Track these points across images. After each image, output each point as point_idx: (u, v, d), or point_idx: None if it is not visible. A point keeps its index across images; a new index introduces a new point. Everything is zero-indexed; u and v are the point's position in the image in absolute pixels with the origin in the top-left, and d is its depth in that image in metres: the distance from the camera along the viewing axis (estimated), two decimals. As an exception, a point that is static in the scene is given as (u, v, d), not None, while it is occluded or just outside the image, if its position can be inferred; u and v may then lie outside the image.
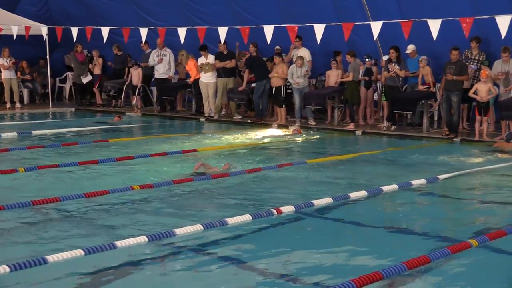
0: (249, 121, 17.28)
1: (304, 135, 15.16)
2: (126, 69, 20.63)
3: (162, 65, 19.38)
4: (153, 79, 20.03)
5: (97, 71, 21.08)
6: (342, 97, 16.48)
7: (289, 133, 15.35)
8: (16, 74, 20.74)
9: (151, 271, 5.87)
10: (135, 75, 19.53)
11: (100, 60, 21.16)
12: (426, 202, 8.98)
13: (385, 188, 9.09)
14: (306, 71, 16.80)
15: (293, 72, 16.72)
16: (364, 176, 10.38)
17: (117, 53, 21.08)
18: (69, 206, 7.93)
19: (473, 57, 15.34)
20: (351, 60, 16.30)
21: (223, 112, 18.71)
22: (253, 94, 17.55)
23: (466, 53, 15.38)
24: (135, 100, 19.48)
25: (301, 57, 16.76)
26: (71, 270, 5.72)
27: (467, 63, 15.03)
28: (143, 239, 6.38)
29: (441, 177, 10.09)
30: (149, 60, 19.55)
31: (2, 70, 20.24)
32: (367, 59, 16.57)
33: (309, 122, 16.70)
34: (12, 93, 20.48)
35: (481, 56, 15.23)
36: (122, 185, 8.97)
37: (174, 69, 19.62)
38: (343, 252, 6.44)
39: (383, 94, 16.26)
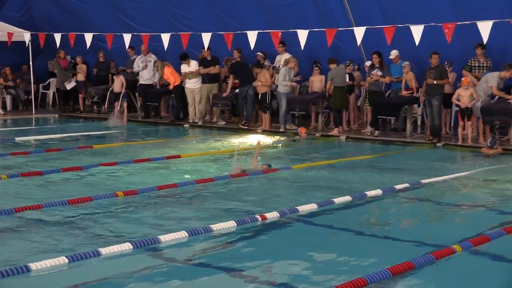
0: (240, 126, 17.25)
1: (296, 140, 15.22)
2: (110, 75, 20.56)
3: (147, 71, 19.36)
4: (138, 85, 19.98)
5: (81, 77, 20.98)
6: (328, 103, 16.51)
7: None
8: (-1, 81, 20.66)
9: (136, 278, 5.84)
10: (117, 82, 19.43)
11: (84, 66, 21.08)
12: (410, 207, 9.02)
13: (369, 193, 9.13)
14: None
15: (285, 74, 16.68)
16: (348, 181, 10.41)
17: (101, 59, 21.02)
18: (52, 212, 7.88)
19: (481, 65, 15.13)
20: (332, 67, 16.31)
21: (206, 118, 18.69)
22: (238, 100, 17.58)
23: (471, 61, 15.13)
24: (118, 106, 19.37)
25: (294, 59, 16.75)
26: (55, 278, 5.68)
27: (480, 70, 14.96)
28: (127, 246, 6.36)
29: (424, 181, 10.15)
30: (134, 66, 19.51)
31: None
32: (349, 64, 16.64)
33: (288, 127, 16.67)
34: (-5, 99, 20.38)
35: (488, 62, 15.03)
36: (107, 191, 8.95)
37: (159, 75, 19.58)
38: (327, 258, 6.44)
39: (366, 100, 16.33)
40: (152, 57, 19.32)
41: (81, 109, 20.98)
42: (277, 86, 17.08)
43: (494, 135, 14.49)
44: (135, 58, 19.79)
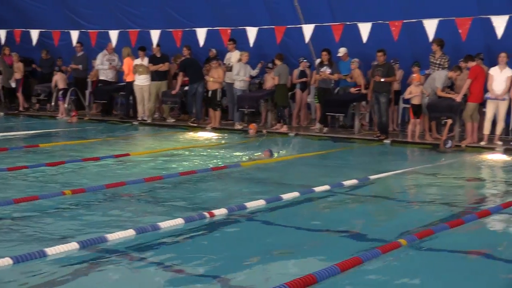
0: (190, 123, 17.19)
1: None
2: (54, 72, 20.24)
3: (111, 71, 19.16)
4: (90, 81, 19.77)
5: (18, 75, 20.45)
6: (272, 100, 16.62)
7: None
8: None
9: (83, 278, 5.77)
10: (59, 80, 19.12)
11: (21, 64, 20.56)
12: (357, 202, 9.12)
13: (317, 189, 9.19)
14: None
15: (239, 70, 16.68)
16: (296, 177, 10.48)
17: (44, 57, 20.70)
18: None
19: (435, 61, 14.92)
20: (278, 63, 16.38)
21: (156, 115, 18.58)
22: (187, 97, 17.52)
23: (430, 57, 14.98)
24: (65, 104, 19.11)
25: (246, 52, 16.74)
26: (-1, 279, 5.58)
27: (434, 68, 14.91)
28: (74, 245, 6.28)
29: (372, 177, 10.27)
30: (97, 62, 19.18)
31: None
32: (303, 61, 16.66)
33: (236, 127, 16.69)
34: None
35: (444, 60, 14.85)
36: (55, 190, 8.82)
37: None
38: (275, 255, 6.46)
39: (315, 97, 16.44)
40: (116, 56, 19.07)
41: (25, 105, 20.54)
42: (228, 83, 17.09)
43: (450, 133, 14.65)
44: (82, 54, 19.55)
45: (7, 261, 5.76)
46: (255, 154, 12.32)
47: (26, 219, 7.54)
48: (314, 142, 14.99)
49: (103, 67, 19.11)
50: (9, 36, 18.94)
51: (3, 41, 18.89)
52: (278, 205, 8.41)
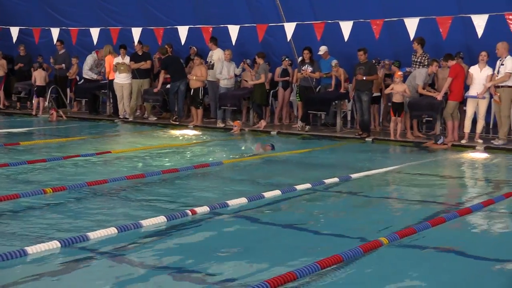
0: (172, 121, 17.14)
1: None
2: (33, 70, 20.09)
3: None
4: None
5: (0, 73, 20.31)
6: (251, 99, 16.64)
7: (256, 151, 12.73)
8: None
9: (65, 276, 5.74)
10: (38, 77, 19.02)
11: (4, 61, 20.38)
12: (339, 200, 9.14)
13: (299, 187, 9.21)
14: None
15: (223, 68, 16.67)
16: (278, 175, 10.48)
17: (22, 53, 20.58)
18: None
19: (416, 59, 14.97)
20: (260, 62, 16.40)
21: (137, 114, 18.52)
22: (169, 95, 17.47)
23: (412, 56, 15.04)
24: (44, 102, 19.00)
25: (229, 52, 16.73)
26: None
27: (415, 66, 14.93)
28: (55, 244, 6.24)
29: (353, 176, 10.30)
30: (87, 68, 19.12)
31: None
32: (285, 59, 16.65)
33: (218, 125, 16.67)
34: None
35: (425, 58, 14.90)
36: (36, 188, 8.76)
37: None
38: (255, 252, 6.47)
39: (297, 95, 16.47)
40: (103, 61, 18.99)
41: (6, 103, 20.39)
42: (210, 81, 17.07)
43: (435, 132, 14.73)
44: (63, 52, 19.47)
45: (-13, 260, 5.72)
46: (252, 148, 12.60)
47: (7, 217, 7.49)
48: (296, 140, 15.01)
49: (91, 75, 19.07)
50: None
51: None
52: (259, 203, 8.40)
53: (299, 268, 5.57)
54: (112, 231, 6.74)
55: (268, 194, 8.71)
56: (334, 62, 15.89)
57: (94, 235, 6.59)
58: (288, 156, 12.65)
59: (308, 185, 9.38)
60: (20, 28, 18.53)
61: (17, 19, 20.48)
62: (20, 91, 20.17)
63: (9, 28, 18.50)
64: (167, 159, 11.89)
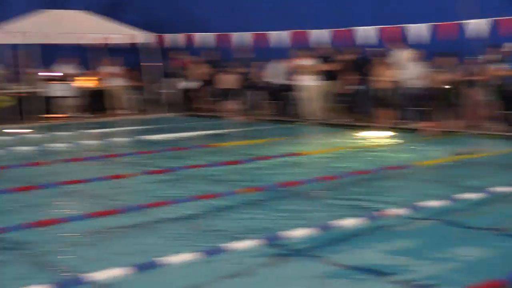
0: (360, 123, 17.07)
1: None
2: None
3: None
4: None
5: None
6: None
7: None
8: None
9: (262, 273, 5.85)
10: (231, 80, 19.70)
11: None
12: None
13: (499, 189, 8.72)
14: None
15: (414, 68, 16.46)
16: (476, 178, 10.03)
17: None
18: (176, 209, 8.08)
19: None
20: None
21: (325, 115, 18.55)
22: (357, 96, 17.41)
23: None
24: (238, 104, 19.58)
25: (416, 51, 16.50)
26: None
27: None
28: (257, 242, 6.36)
29: None
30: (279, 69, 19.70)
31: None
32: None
33: (409, 125, 16.34)
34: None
35: None
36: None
37: None
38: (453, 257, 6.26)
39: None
40: None
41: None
42: (397, 82, 16.82)
43: None
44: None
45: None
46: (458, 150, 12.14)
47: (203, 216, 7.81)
48: (493, 141, 14.20)
49: (279, 78, 19.37)
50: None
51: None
52: (456, 206, 8.07)
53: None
54: (311, 231, 6.74)
55: (465, 196, 8.33)
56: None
57: (295, 233, 6.61)
58: (486, 157, 12.03)
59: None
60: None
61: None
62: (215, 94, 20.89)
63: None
64: (357, 161, 11.80)
